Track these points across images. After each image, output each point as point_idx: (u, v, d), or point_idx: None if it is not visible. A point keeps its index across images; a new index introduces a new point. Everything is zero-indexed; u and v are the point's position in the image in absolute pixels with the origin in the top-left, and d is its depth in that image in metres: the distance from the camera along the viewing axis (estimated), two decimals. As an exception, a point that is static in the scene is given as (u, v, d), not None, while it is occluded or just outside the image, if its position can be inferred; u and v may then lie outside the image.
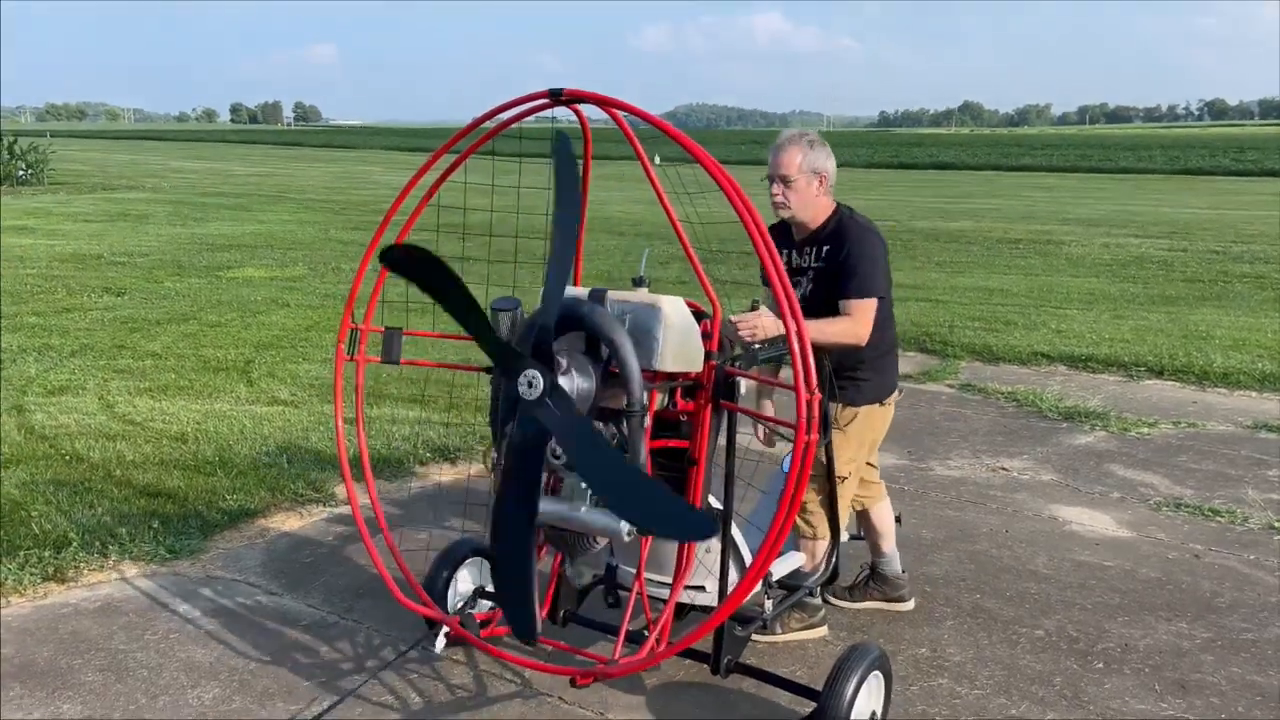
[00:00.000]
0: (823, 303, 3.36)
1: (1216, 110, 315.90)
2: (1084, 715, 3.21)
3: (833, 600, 3.90)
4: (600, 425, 2.78)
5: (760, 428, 3.75)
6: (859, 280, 3.31)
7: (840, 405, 3.47)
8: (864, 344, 3.35)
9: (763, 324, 3.10)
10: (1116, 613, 3.92)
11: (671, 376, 2.91)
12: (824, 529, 3.54)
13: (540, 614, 3.12)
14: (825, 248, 3.39)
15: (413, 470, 5.54)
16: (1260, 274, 13.12)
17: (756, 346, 3.12)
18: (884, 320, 3.42)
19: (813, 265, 3.44)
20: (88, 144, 46.41)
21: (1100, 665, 3.52)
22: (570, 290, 2.94)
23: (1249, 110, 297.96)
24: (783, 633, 3.62)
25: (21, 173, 27.23)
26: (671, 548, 3.07)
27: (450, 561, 3.55)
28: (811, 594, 3.64)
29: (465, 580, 3.58)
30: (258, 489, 5.06)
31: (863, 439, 3.55)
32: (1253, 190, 32.22)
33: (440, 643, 3.36)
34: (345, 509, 4.98)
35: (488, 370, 3.18)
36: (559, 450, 2.70)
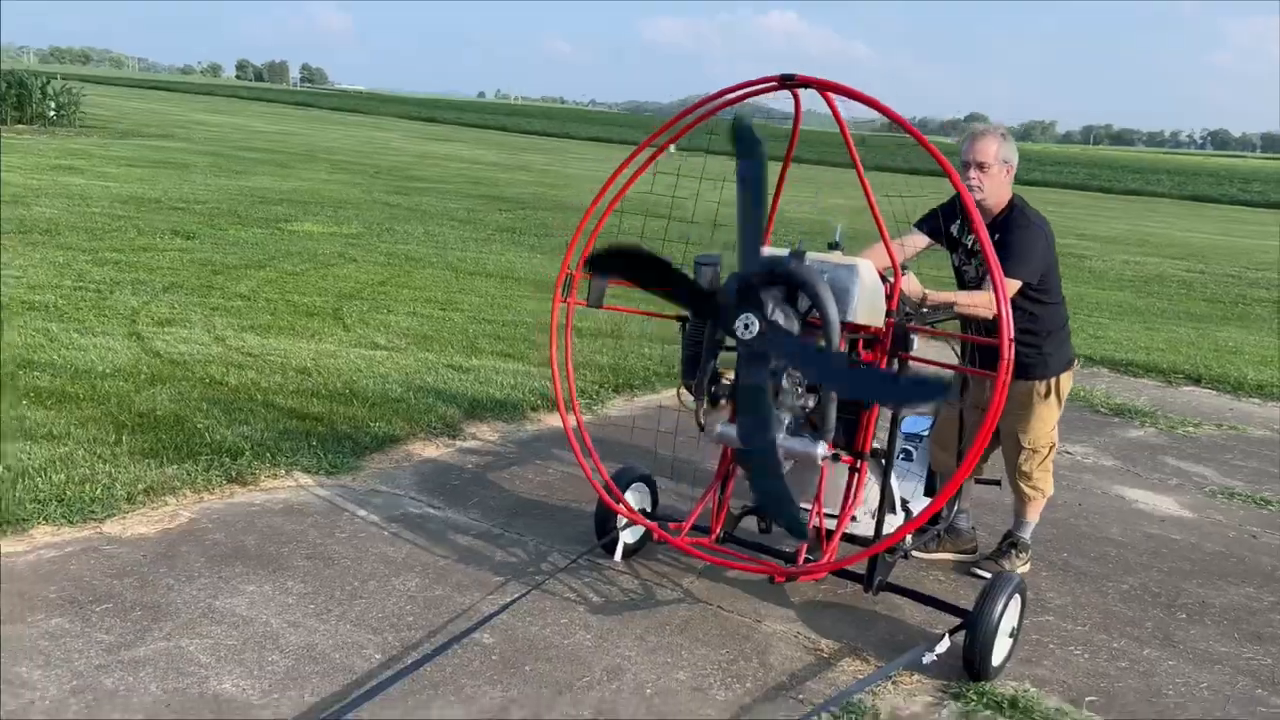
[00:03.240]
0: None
1: (1219, 140, 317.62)
2: (1176, 652, 3.69)
3: (913, 552, 4.35)
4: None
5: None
6: (1010, 264, 3.75)
7: (1037, 380, 3.95)
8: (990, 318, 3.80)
9: (912, 289, 3.56)
10: (1189, 576, 4.40)
11: (857, 329, 3.36)
12: (1048, 488, 4.12)
13: (713, 531, 3.61)
14: (996, 235, 3.81)
15: (525, 415, 5.98)
16: (1278, 299, 13.66)
17: (924, 310, 3.58)
18: (1056, 301, 3.90)
19: (979, 249, 3.90)
20: (97, 89, 46.33)
21: (1183, 616, 4.00)
22: (767, 250, 3.39)
23: (1251, 142, 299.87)
24: (939, 552, 4.16)
25: (52, 113, 27.45)
26: (838, 484, 3.53)
27: (619, 485, 4.00)
28: (963, 524, 4.29)
29: (632, 502, 4.03)
30: (395, 419, 5.51)
31: (1061, 401, 4.03)
32: (1259, 220, 32.90)
33: (619, 552, 3.82)
34: (476, 443, 5.43)
35: (680, 319, 3.65)
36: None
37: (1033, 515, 4.25)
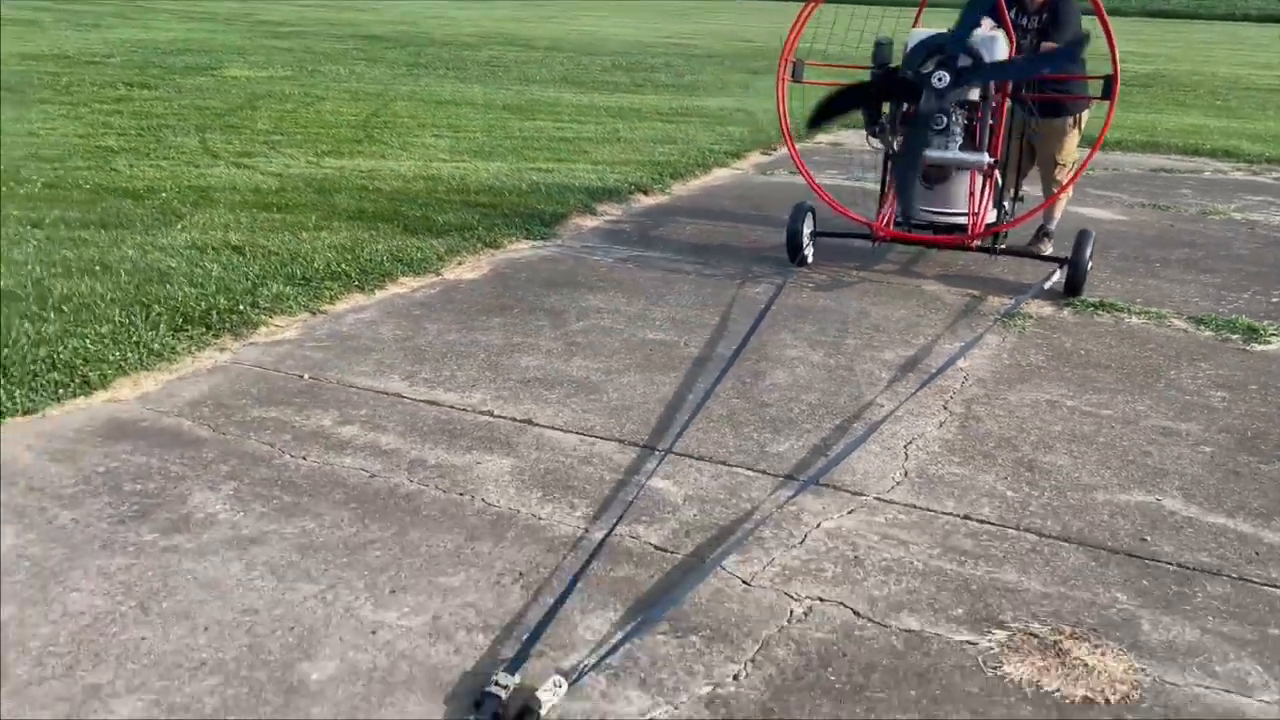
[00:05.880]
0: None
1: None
2: (1162, 280, 5.79)
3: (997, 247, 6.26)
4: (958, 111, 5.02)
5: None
6: (1066, 31, 5.54)
7: (1068, 116, 5.79)
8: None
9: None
10: (1147, 247, 6.54)
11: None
12: (1069, 193, 6.03)
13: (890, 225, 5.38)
14: (1044, 15, 5.58)
15: (630, 197, 7.47)
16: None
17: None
18: (1082, 60, 5.74)
19: (1034, 28, 5.65)
20: None
21: (1157, 265, 6.12)
22: (924, 30, 5.08)
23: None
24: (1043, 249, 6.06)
25: None
26: (962, 195, 5.33)
27: (801, 213, 5.67)
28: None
29: (808, 223, 5.73)
30: (548, 203, 6.90)
31: (1081, 130, 5.91)
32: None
33: (810, 258, 5.55)
34: (613, 216, 6.93)
35: (875, 91, 5.29)
36: (942, 118, 4.92)
37: (1058, 213, 6.24)
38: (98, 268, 4.97)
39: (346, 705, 2.18)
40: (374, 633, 2.43)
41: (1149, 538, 2.97)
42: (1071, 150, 6.00)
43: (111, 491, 3.03)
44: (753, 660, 2.37)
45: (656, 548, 2.84)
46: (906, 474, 3.31)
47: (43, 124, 9.29)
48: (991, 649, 2.44)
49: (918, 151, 5.01)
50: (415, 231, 6.00)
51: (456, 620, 2.49)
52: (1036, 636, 2.49)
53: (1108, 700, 2.27)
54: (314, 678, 2.26)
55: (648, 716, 2.18)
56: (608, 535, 2.85)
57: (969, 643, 2.46)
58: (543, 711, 2.13)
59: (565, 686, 2.20)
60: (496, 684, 2.17)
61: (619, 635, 2.43)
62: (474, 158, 8.56)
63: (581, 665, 2.31)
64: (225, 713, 2.14)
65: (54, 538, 2.78)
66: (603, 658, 2.34)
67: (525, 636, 2.40)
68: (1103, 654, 2.43)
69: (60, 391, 3.65)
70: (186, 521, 2.89)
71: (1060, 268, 5.33)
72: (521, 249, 5.97)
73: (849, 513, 3.05)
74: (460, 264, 5.56)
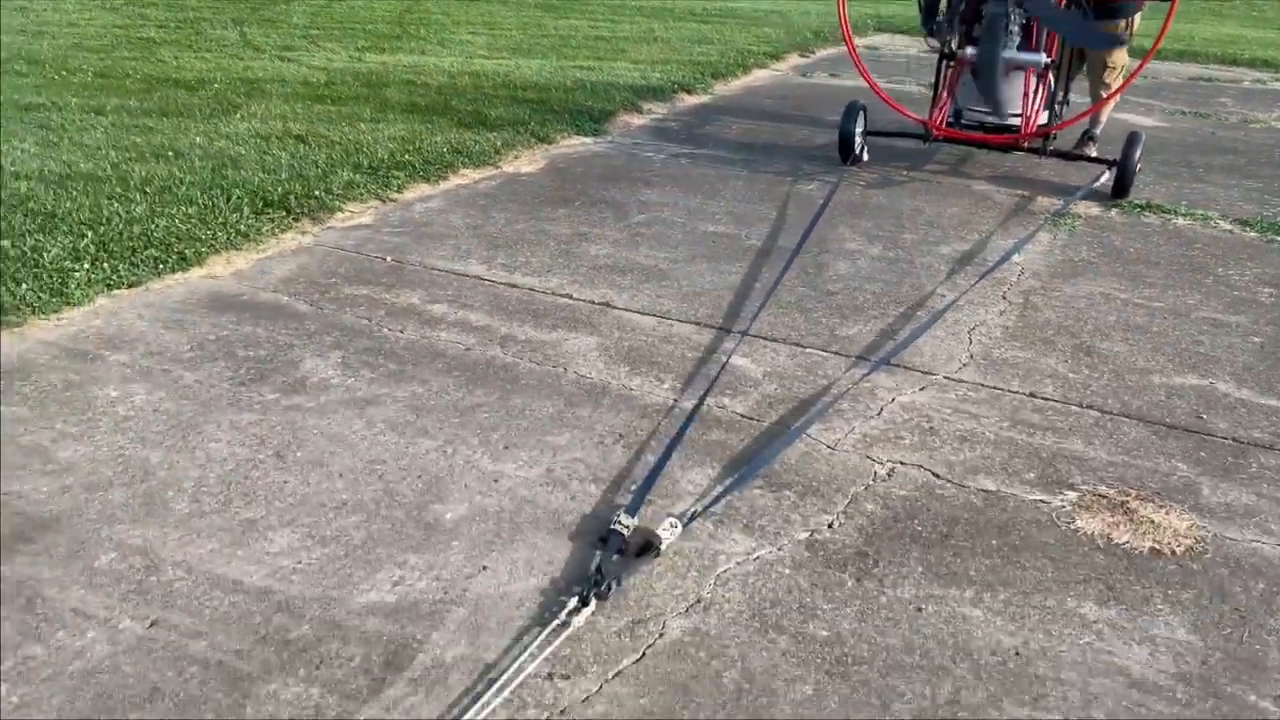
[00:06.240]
0: None
1: None
2: (1208, 184, 5.88)
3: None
4: None
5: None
6: None
7: (1120, 19, 5.81)
8: None
9: None
10: (1190, 152, 6.61)
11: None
12: (1117, 98, 6.05)
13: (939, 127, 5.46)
14: None
15: (674, 96, 7.51)
16: None
17: None
18: None
19: None
20: None
21: (1200, 170, 6.20)
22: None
23: None
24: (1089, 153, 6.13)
25: None
26: (1015, 95, 5.39)
27: (854, 113, 5.74)
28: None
29: (859, 123, 5.80)
30: (595, 100, 6.96)
31: (1133, 35, 5.93)
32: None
33: (865, 156, 5.64)
34: (659, 114, 6.99)
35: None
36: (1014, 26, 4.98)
37: (1104, 117, 6.30)
38: (170, 153, 5.09)
39: (482, 540, 2.39)
40: (496, 481, 2.63)
41: (1205, 416, 3.15)
42: (1122, 55, 6.03)
43: (227, 357, 3.22)
44: (844, 512, 2.58)
45: (743, 416, 3.03)
46: (972, 356, 3.48)
47: (80, 14, 9.29)
48: (1064, 507, 2.64)
49: (996, 52, 5.07)
50: (469, 125, 6.08)
51: (568, 472, 2.69)
52: (1105, 498, 2.69)
53: (1174, 552, 2.48)
54: (448, 517, 2.47)
55: (755, 555, 2.39)
56: (700, 402, 3.04)
57: (1042, 501, 2.66)
58: (662, 547, 2.34)
59: (680, 528, 2.41)
60: (619, 523, 2.38)
61: (719, 488, 2.63)
62: (514, 55, 8.57)
63: (690, 511, 2.51)
64: (373, 544, 2.36)
65: (183, 395, 2.98)
66: (709, 505, 2.54)
67: (634, 487, 2.60)
68: (1167, 513, 2.63)
69: (159, 267, 3.82)
70: (303, 384, 3.08)
71: (1109, 169, 5.42)
72: (574, 144, 6.06)
73: (920, 390, 3.23)
74: (517, 157, 5.67)
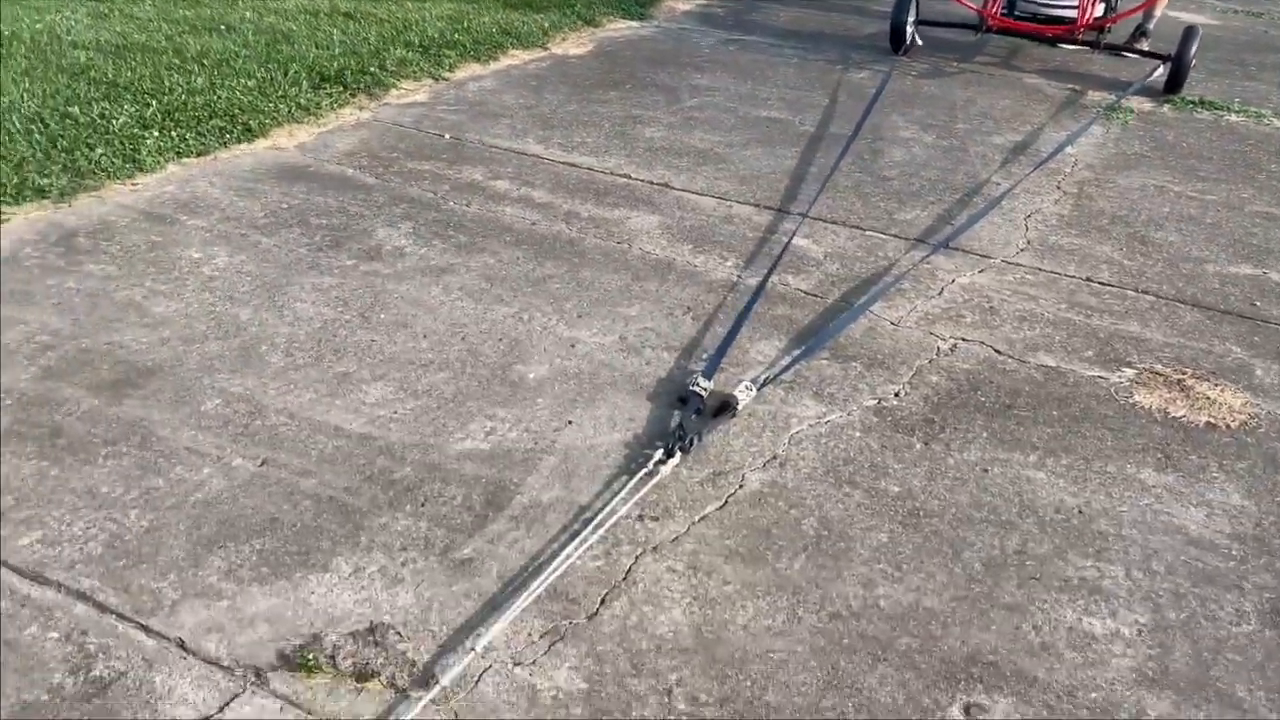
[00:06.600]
0: None
1: None
2: (1256, 82, 5.82)
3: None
4: None
5: None
6: None
7: None
8: None
9: None
10: (1241, 50, 6.51)
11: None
12: None
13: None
14: None
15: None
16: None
17: None
18: None
19: None
20: None
21: (1253, 68, 6.11)
22: None
23: None
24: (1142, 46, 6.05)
25: None
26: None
27: (905, 2, 5.66)
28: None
29: (911, 12, 5.72)
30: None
31: None
32: None
33: (918, 42, 5.57)
34: (689, 8, 6.88)
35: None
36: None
37: (1158, 12, 6.18)
38: (222, 27, 5.08)
39: (565, 398, 2.50)
40: (572, 346, 2.73)
41: (1258, 304, 3.21)
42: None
43: (301, 225, 3.30)
44: (909, 383, 2.67)
45: (807, 293, 3.11)
46: (1029, 242, 3.53)
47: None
48: (1122, 383, 2.73)
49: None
50: (515, 6, 6.03)
51: (641, 340, 2.78)
52: (1161, 375, 2.77)
53: (1228, 426, 2.57)
54: (530, 377, 2.58)
55: (825, 419, 2.50)
56: (767, 278, 3.11)
57: (1101, 377, 2.75)
58: (738, 408, 2.45)
59: (755, 391, 2.51)
60: (696, 385, 2.48)
61: (788, 358, 2.72)
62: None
63: (763, 377, 2.61)
64: (463, 399, 2.47)
65: (264, 258, 3.06)
66: (781, 371, 2.64)
67: (705, 355, 2.69)
68: (1221, 390, 2.72)
69: (225, 136, 3.87)
70: (378, 251, 3.16)
71: (1164, 63, 5.36)
72: (620, 28, 6.01)
73: (980, 272, 3.30)
74: (564, 40, 5.64)
